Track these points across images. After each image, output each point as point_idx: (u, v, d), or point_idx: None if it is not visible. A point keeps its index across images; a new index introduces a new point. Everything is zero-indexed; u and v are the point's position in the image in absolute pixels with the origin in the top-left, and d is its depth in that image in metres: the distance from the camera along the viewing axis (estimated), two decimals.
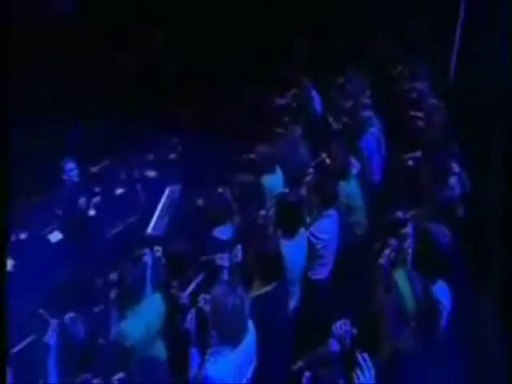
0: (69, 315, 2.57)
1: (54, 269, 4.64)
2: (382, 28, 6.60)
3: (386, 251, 2.51)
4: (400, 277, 2.22)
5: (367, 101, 5.48)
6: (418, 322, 2.11)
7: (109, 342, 2.53)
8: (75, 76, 7.70)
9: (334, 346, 2.04)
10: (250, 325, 2.37)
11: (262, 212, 3.45)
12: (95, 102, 7.37)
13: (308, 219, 3.37)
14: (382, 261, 2.49)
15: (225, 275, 2.71)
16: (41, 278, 4.41)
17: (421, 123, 4.56)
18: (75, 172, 5.05)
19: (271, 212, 3.42)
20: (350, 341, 2.00)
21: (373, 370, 1.72)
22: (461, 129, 4.62)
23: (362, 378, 1.70)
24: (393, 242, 2.57)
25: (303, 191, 3.80)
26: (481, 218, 3.83)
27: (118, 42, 8.03)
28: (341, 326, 2.01)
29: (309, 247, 3.24)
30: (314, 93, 5.93)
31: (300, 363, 2.20)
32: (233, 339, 2.25)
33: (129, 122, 7.32)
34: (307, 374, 1.81)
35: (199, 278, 2.77)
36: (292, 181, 4.34)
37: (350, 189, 4.09)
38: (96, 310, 2.92)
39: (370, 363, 1.75)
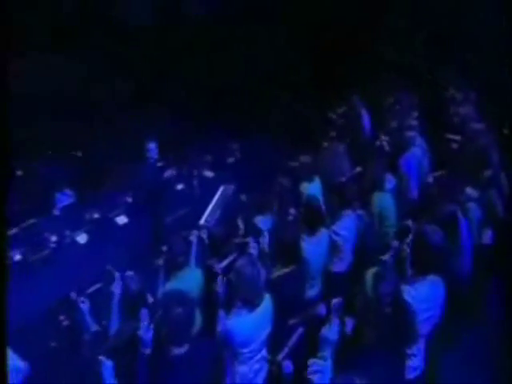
0: (128, 273, 3.32)
1: (118, 240, 5.57)
2: (436, 52, 6.92)
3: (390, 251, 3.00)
4: (370, 275, 2.69)
5: (413, 121, 5.89)
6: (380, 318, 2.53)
7: (155, 298, 3.23)
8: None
9: (321, 309, 2.57)
10: (267, 295, 2.96)
11: (292, 211, 4.05)
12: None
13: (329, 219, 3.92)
14: (384, 257, 2.98)
15: (253, 255, 3.33)
16: (108, 248, 5.29)
17: (455, 146, 4.90)
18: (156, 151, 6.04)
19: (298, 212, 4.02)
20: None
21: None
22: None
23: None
24: (395, 243, 3.04)
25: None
26: None
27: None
28: (337, 302, 2.50)
29: (330, 244, 3.79)
30: (363, 111, 6.43)
31: (295, 320, 2.75)
32: (250, 303, 2.85)
33: (196, 129, 8.29)
34: (300, 329, 2.35)
35: (232, 256, 3.41)
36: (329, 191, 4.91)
37: (383, 200, 4.59)
38: (149, 271, 3.66)
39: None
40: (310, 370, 1.91)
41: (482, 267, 3.93)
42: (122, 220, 6.57)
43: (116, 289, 3.14)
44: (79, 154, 7.67)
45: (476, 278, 3.87)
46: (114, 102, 9.22)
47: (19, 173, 6.93)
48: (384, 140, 5.76)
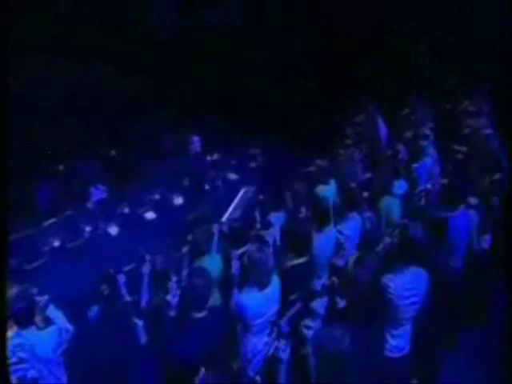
0: (158, 256, 4.00)
1: (146, 234, 6.30)
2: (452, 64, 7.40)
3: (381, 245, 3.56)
4: (352, 258, 3.27)
5: (427, 132, 6.39)
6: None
7: (178, 278, 3.88)
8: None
9: (318, 285, 3.15)
10: (275, 277, 3.58)
11: (303, 209, 4.67)
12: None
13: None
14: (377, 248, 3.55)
15: (264, 244, 3.95)
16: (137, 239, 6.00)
17: (460, 156, 5.41)
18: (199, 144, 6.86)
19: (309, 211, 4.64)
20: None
21: None
22: None
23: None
24: (387, 239, 3.60)
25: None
26: None
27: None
28: (328, 283, 3.09)
29: (336, 241, 4.38)
30: (380, 120, 6.98)
31: (294, 296, 3.35)
32: (259, 283, 3.48)
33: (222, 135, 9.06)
34: (298, 304, 2.95)
35: (248, 246, 4.04)
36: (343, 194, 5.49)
37: (391, 204, 5.14)
38: (175, 256, 4.33)
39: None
40: (302, 325, 2.51)
41: (482, 269, 4.42)
42: (150, 216, 7.34)
43: (146, 268, 3.83)
44: (113, 152, 8.47)
45: (475, 279, 4.36)
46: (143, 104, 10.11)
47: (60, 168, 7.76)
48: (398, 148, 6.27)
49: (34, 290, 3.47)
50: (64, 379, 2.84)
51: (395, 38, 8.04)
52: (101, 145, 8.69)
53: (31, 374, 2.74)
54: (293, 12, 9.56)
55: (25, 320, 3.14)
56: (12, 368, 2.51)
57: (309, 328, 2.49)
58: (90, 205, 7.58)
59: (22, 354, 2.69)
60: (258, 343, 3.59)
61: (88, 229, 6.89)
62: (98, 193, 7.95)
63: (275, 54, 9.41)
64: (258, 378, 3.43)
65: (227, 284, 3.74)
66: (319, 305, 2.79)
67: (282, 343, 2.40)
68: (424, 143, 6.11)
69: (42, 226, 6.96)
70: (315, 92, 8.44)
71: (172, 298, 3.07)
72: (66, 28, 9.58)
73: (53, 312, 3.47)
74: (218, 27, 11.04)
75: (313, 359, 2.40)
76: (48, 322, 3.37)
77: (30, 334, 2.97)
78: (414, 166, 5.90)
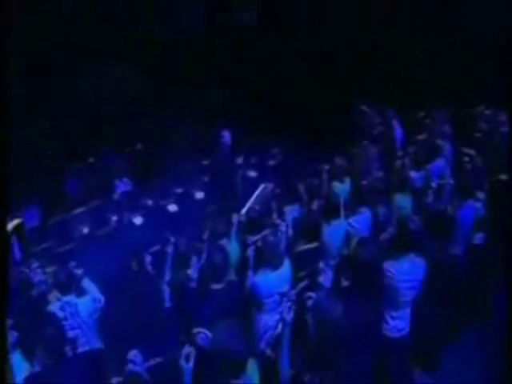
0: (181, 238, 4.52)
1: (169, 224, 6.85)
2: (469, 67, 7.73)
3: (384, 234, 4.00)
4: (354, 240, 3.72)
5: (445, 132, 6.76)
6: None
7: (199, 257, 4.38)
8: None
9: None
10: (287, 260, 4.05)
11: (316, 202, 5.15)
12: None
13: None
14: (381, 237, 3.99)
15: (278, 231, 4.43)
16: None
17: (467, 159, 5.77)
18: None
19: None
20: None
21: None
22: None
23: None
24: (390, 229, 4.03)
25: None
26: None
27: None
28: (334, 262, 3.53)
29: (346, 232, 4.83)
30: (396, 123, 7.38)
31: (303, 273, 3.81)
32: (272, 265, 3.95)
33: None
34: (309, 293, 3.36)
35: (264, 233, 4.52)
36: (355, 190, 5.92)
37: (402, 201, 5.55)
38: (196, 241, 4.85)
39: None
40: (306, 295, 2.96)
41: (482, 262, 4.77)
42: (172, 208, 7.91)
43: (170, 249, 4.35)
44: (139, 146, 9.09)
45: (475, 270, 4.71)
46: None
47: (91, 160, 8.40)
48: (412, 149, 6.64)
49: (73, 264, 4.03)
50: (95, 342, 3.34)
51: (411, 41, 8.44)
52: (127, 139, 9.32)
53: (71, 334, 3.24)
54: (308, 13, 10.12)
55: (65, 288, 3.69)
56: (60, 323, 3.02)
57: (310, 298, 2.92)
58: (115, 196, 8.25)
59: (67, 313, 3.21)
60: (270, 320, 4.06)
61: (114, 218, 7.49)
62: (122, 185, 8.60)
63: (293, 55, 9.96)
64: (268, 351, 3.90)
65: (243, 267, 4.22)
66: (325, 279, 3.23)
67: (287, 306, 2.83)
68: (441, 142, 6.48)
69: (72, 214, 7.60)
70: (334, 94, 8.89)
71: (193, 272, 3.57)
72: (98, 28, 10.26)
73: (87, 284, 4.03)
74: (242, 28, 11.69)
75: (312, 324, 2.84)
76: (83, 291, 3.92)
77: (71, 299, 3.49)
78: (428, 165, 6.25)
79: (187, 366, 2.57)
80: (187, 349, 2.60)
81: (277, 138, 9.14)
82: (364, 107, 7.54)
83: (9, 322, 3.09)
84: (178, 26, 12.19)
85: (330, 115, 8.53)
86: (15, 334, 3.02)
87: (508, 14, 6.87)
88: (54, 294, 3.59)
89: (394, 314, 3.89)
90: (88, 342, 3.19)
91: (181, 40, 11.83)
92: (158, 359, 2.71)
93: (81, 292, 3.84)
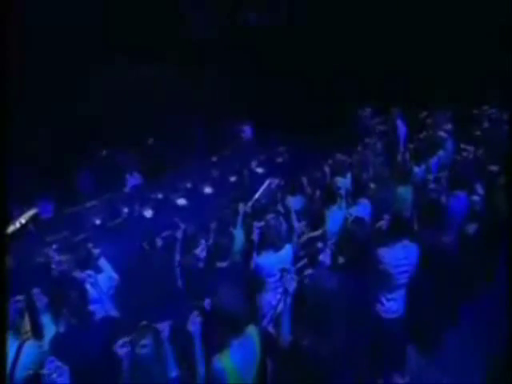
0: (189, 225, 4.91)
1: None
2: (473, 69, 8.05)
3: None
4: (349, 219, 4.09)
5: (447, 127, 7.11)
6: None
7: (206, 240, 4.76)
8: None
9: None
10: (288, 245, 4.42)
11: (318, 192, 5.53)
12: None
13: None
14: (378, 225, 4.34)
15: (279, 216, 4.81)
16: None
17: (465, 154, 6.10)
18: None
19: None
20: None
21: None
22: None
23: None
24: (386, 216, 4.37)
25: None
26: None
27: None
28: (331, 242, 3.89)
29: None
30: (399, 121, 7.74)
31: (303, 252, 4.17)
32: (273, 248, 4.33)
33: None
34: (308, 271, 3.73)
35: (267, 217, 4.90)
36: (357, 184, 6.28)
37: (404, 193, 5.89)
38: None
39: None
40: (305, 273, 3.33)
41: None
42: (181, 202, 8.31)
43: (180, 234, 4.73)
44: (150, 141, 9.53)
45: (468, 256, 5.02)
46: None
47: (103, 153, 8.86)
48: (414, 145, 6.98)
49: (90, 245, 4.44)
50: (111, 311, 3.72)
51: (418, 42, 8.79)
52: (138, 135, 9.78)
53: (91, 299, 3.63)
54: (319, 14, 10.56)
55: (85, 264, 4.11)
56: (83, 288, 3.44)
57: (308, 271, 3.30)
58: (126, 190, 8.70)
59: (88, 283, 3.61)
60: (272, 299, 4.43)
61: (125, 211, 7.90)
62: (133, 180, 9.05)
63: (298, 57, 10.45)
64: (270, 328, 4.27)
65: (248, 249, 4.60)
66: (324, 257, 3.60)
67: (289, 277, 3.19)
68: (442, 139, 6.83)
69: (85, 206, 8.04)
70: (339, 94, 9.31)
71: (200, 252, 3.96)
72: (115, 29, 10.77)
73: (103, 263, 4.44)
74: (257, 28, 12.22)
75: (310, 295, 3.20)
76: (100, 269, 4.33)
77: (91, 273, 3.89)
78: (429, 159, 6.58)
79: (195, 329, 2.95)
80: (194, 314, 2.98)
81: (283, 136, 9.57)
82: (367, 108, 7.89)
83: (37, 290, 3.53)
84: (191, 25, 12.72)
85: (336, 114, 8.89)
86: (45, 299, 3.43)
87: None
88: (74, 269, 4.01)
89: (388, 296, 4.23)
90: (105, 310, 3.57)
91: (195, 38, 12.38)
92: (169, 327, 3.06)
93: (98, 270, 4.24)
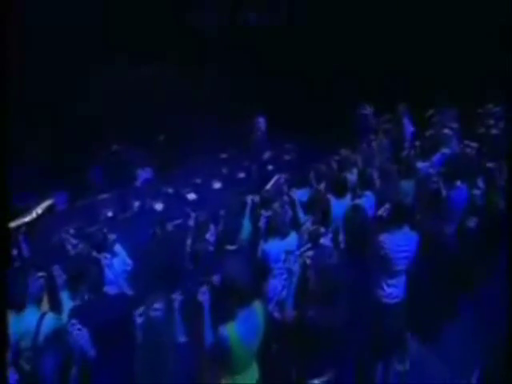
0: (200, 212, 5.18)
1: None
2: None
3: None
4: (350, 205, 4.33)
5: (453, 125, 7.30)
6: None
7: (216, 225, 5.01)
8: None
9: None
10: (293, 232, 4.66)
11: (323, 185, 5.77)
12: None
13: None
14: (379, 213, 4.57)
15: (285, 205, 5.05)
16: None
17: (469, 150, 6.30)
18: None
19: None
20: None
21: None
22: None
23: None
24: (386, 205, 4.59)
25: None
26: None
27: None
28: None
29: None
30: (406, 120, 7.95)
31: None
32: (279, 235, 4.58)
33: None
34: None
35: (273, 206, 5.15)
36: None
37: (406, 187, 6.09)
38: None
39: None
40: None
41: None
42: (191, 196, 8.60)
43: (191, 221, 5.00)
44: (161, 137, 9.86)
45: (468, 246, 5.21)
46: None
47: (115, 147, 9.18)
48: (419, 143, 7.19)
49: (105, 229, 4.73)
50: (127, 290, 4.00)
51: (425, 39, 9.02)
52: (150, 131, 10.11)
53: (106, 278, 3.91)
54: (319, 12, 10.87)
55: (101, 247, 4.39)
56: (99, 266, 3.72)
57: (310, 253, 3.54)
58: (137, 184, 9.01)
59: (104, 263, 3.89)
60: (278, 285, 4.67)
61: (136, 204, 8.20)
62: (144, 174, 9.37)
63: (304, 54, 10.75)
64: (276, 313, 4.50)
65: (255, 236, 4.85)
66: (326, 240, 3.85)
67: (293, 259, 3.43)
68: (449, 133, 7.02)
69: (97, 199, 8.36)
70: (346, 92, 9.56)
71: (210, 236, 4.22)
72: (125, 30, 11.14)
73: (118, 248, 4.73)
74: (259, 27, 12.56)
75: (313, 272, 3.44)
76: (115, 253, 4.61)
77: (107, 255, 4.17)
78: (433, 156, 6.77)
79: (204, 300, 3.20)
80: (204, 287, 3.24)
81: (290, 134, 9.85)
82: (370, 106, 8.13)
83: (56, 267, 3.82)
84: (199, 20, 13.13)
85: (343, 112, 9.11)
86: (63, 276, 3.71)
87: None
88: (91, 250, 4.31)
89: (389, 281, 4.44)
90: (119, 287, 3.85)
91: (206, 35, 12.75)
92: (180, 297, 3.32)
93: (113, 254, 4.52)
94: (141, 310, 3.11)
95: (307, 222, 4.82)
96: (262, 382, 3.51)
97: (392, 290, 4.46)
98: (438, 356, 5.06)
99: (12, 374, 2.91)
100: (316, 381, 3.61)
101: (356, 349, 4.15)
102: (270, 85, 11.15)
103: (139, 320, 3.07)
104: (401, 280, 4.48)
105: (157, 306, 3.10)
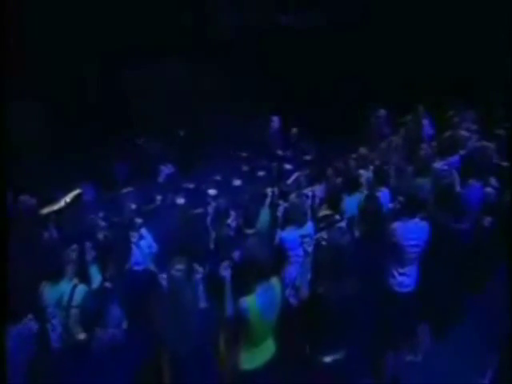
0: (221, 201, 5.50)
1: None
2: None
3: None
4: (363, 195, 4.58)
5: (472, 127, 7.48)
6: None
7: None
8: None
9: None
10: (310, 221, 4.94)
11: (338, 180, 6.05)
12: None
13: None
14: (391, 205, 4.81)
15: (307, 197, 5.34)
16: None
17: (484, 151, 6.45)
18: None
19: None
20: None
21: None
22: None
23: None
24: (399, 198, 4.84)
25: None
26: None
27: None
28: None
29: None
30: (425, 121, 8.15)
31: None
32: (297, 223, 4.85)
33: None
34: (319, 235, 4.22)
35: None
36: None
37: (421, 184, 6.29)
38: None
39: None
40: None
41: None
42: (212, 192, 8.93)
43: (211, 209, 5.32)
44: (182, 133, 10.27)
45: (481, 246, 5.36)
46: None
47: (140, 141, 9.61)
48: (437, 144, 7.38)
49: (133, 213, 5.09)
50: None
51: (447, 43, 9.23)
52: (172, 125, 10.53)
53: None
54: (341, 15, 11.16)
55: (129, 227, 4.75)
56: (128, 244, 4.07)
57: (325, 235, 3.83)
58: (160, 179, 9.41)
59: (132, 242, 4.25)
60: (293, 272, 4.94)
61: (159, 198, 8.56)
62: (166, 170, 9.77)
63: (328, 57, 11.06)
64: (291, 299, 4.75)
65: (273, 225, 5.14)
66: (340, 226, 4.13)
67: (308, 241, 3.72)
68: (467, 134, 7.19)
69: (121, 192, 8.76)
70: (366, 93, 9.83)
71: (231, 221, 4.54)
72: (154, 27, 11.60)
73: (145, 232, 5.08)
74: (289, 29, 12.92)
75: (326, 252, 3.71)
76: (142, 236, 4.96)
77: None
78: (450, 157, 6.95)
79: (226, 274, 3.50)
80: (226, 262, 3.54)
81: (310, 134, 10.14)
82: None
83: (88, 244, 4.18)
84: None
85: (361, 113, 9.36)
86: (93, 253, 4.07)
87: None
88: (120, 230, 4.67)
89: (400, 269, 4.66)
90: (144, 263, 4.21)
91: (232, 35, 13.16)
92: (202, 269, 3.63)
93: (140, 236, 4.87)
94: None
95: (323, 211, 5.08)
96: (277, 355, 3.78)
97: (403, 279, 4.63)
98: (449, 351, 5.22)
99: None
100: (328, 358, 3.88)
101: (367, 331, 4.38)
102: (290, 86, 11.47)
103: (164, 281, 3.38)
104: (412, 270, 4.65)
105: (179, 266, 3.41)
